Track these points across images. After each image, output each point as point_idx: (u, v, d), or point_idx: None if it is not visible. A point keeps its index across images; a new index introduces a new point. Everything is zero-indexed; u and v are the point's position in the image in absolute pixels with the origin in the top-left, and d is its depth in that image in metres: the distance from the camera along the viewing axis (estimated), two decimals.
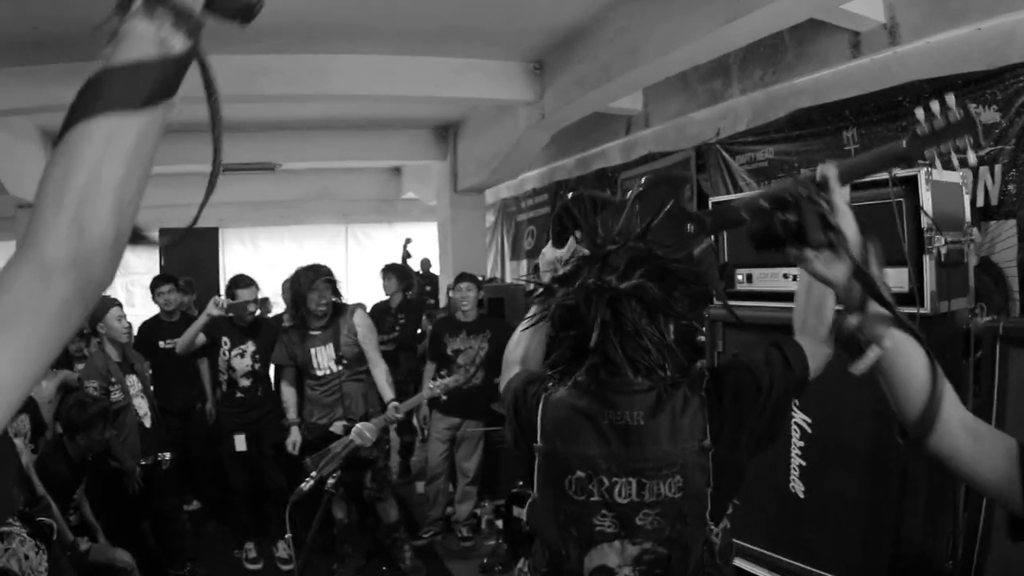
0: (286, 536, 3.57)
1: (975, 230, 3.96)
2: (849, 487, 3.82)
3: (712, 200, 4.93)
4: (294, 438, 6.55)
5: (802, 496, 4.07)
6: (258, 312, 7.09)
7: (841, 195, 1.77)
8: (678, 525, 2.20)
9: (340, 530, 6.72)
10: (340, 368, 6.51)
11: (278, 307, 7.75)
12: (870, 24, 5.57)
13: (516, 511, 5.76)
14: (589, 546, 2.28)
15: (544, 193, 11.79)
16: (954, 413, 1.67)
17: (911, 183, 3.54)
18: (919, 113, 1.75)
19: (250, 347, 7.00)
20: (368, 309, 8.30)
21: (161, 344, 7.79)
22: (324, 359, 6.50)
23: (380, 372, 6.53)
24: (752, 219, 1.86)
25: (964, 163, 1.74)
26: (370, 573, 6.79)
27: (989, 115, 4.78)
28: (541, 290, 2.41)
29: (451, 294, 8.17)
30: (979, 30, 4.88)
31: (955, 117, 1.70)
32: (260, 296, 7.29)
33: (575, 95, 7.52)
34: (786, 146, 6.43)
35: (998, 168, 4.76)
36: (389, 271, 10.03)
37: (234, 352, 6.99)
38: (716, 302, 4.23)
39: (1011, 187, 4.70)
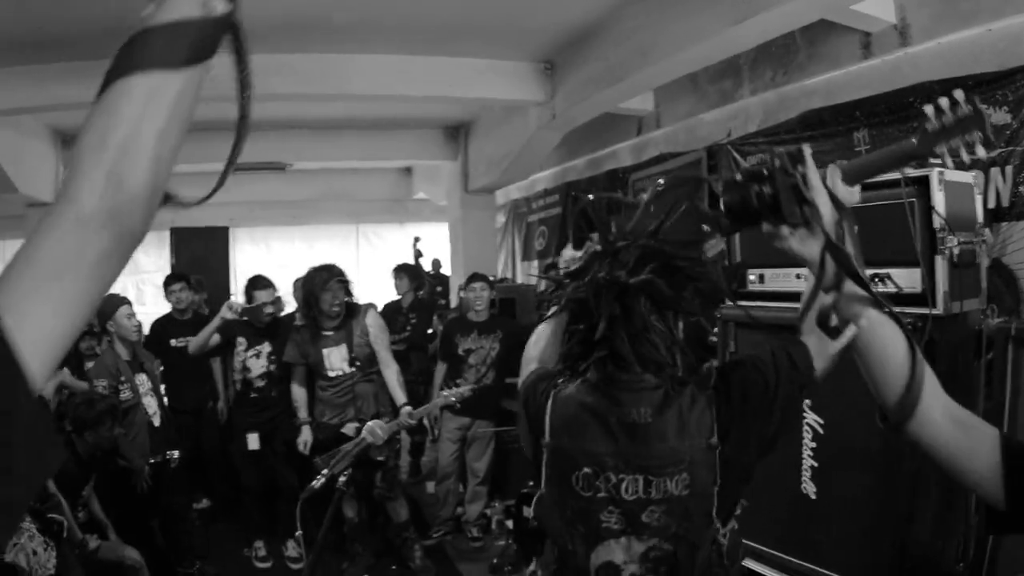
0: (297, 534, 3.58)
1: (987, 231, 3.95)
2: (860, 488, 3.81)
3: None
4: (305, 437, 6.56)
5: (814, 497, 4.06)
6: (274, 312, 7.08)
7: (816, 172, 1.77)
8: (684, 523, 2.21)
9: (350, 529, 6.73)
10: (352, 369, 6.51)
11: (289, 306, 7.74)
12: (881, 25, 5.57)
13: (526, 511, 5.75)
14: (596, 542, 2.30)
15: (555, 194, 11.79)
16: (935, 399, 1.66)
17: (923, 183, 3.54)
18: (928, 110, 1.75)
19: (266, 348, 7.00)
20: (379, 309, 8.30)
21: (173, 342, 7.82)
22: (337, 360, 6.49)
23: (392, 374, 6.52)
24: (728, 191, 1.86)
25: (974, 158, 1.74)
26: (380, 572, 6.79)
27: (1000, 116, 4.77)
28: (554, 287, 2.43)
29: (463, 294, 8.18)
30: (990, 31, 4.87)
31: (964, 112, 1.70)
32: (280, 300, 7.30)
33: (586, 95, 7.51)
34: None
35: (1009, 169, 4.75)
36: (401, 271, 10.06)
37: (250, 353, 6.99)
38: (728, 302, 4.27)
39: (1022, 188, 4.69)
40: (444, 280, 12.24)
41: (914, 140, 1.80)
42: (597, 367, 2.34)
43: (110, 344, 6.35)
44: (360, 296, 6.80)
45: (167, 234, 13.21)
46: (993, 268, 4.62)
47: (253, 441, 6.97)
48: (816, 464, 4.05)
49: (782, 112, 6.72)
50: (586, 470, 2.29)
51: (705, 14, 5.56)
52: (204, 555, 6.91)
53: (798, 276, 4.05)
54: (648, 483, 2.22)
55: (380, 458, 6.20)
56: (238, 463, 7.26)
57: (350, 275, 6.67)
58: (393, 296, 10.17)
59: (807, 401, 4.01)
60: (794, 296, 3.97)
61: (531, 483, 2.47)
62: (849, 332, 1.68)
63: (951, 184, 3.59)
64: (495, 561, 6.78)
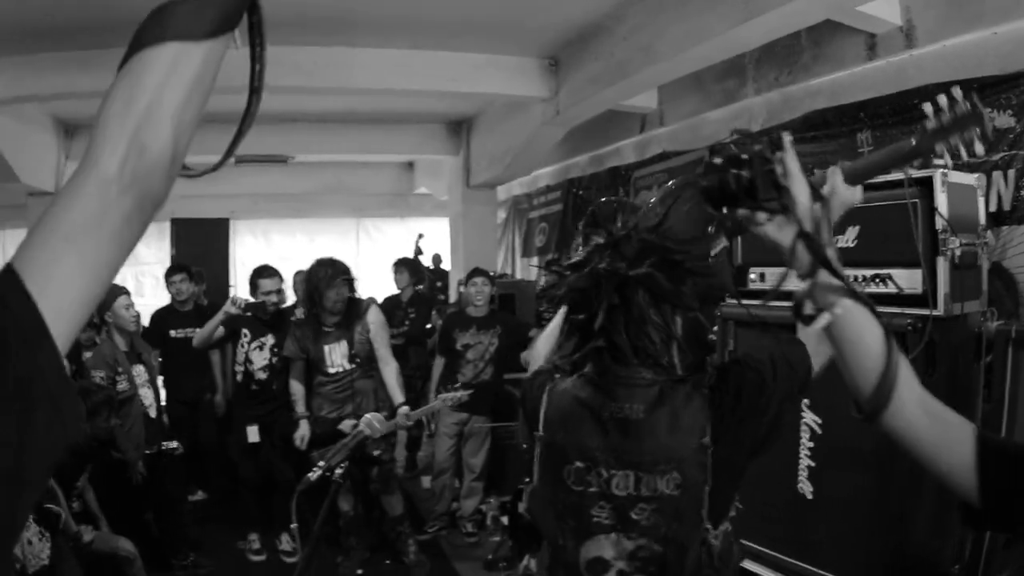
0: (292, 527, 3.58)
1: (989, 233, 3.95)
2: (857, 488, 3.81)
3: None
4: (302, 432, 6.54)
5: (810, 497, 4.06)
6: (277, 302, 7.08)
7: (795, 159, 1.76)
8: (674, 524, 2.20)
9: (345, 523, 6.71)
10: (352, 366, 6.51)
11: (289, 299, 7.75)
12: (886, 26, 5.55)
13: (521, 507, 5.75)
14: (586, 537, 2.30)
15: (557, 190, 11.80)
16: (910, 391, 1.64)
17: (927, 184, 3.53)
18: (927, 109, 1.74)
19: (269, 340, 6.99)
20: (379, 302, 8.30)
21: (172, 333, 7.83)
22: (337, 357, 6.49)
23: (390, 372, 6.51)
24: (707, 175, 1.85)
25: (973, 157, 1.73)
26: (374, 566, 6.79)
27: (1004, 120, 4.76)
28: (556, 278, 2.43)
29: (462, 289, 8.18)
30: (995, 34, 4.86)
31: (962, 110, 1.70)
32: (283, 290, 7.31)
33: (590, 92, 7.51)
34: (800, 147, 6.29)
35: (1012, 173, 4.74)
36: (401, 265, 10.06)
37: (253, 345, 6.99)
38: (730, 300, 4.27)
39: None
40: (444, 275, 12.24)
41: (913, 139, 1.80)
42: (594, 360, 2.35)
43: (108, 334, 6.34)
44: (360, 290, 6.79)
45: (167, 225, 13.22)
46: (993, 271, 4.61)
47: (253, 434, 6.97)
48: (813, 464, 4.05)
49: (786, 112, 6.72)
50: (578, 464, 2.30)
51: (710, 13, 5.55)
52: (198, 547, 6.91)
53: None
54: (639, 480, 2.22)
55: (376, 452, 6.20)
56: (235, 456, 7.26)
57: (351, 269, 6.65)
58: (393, 290, 10.17)
59: (805, 400, 4.01)
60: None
61: (527, 479, 2.47)
62: (822, 319, 1.67)
63: (954, 186, 3.59)
64: (490, 557, 6.77)
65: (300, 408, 6.64)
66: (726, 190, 1.80)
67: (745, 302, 4.20)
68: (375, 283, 11.88)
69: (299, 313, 6.72)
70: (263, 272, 7.06)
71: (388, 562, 6.85)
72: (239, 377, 7.14)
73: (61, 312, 1.01)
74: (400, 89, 8.23)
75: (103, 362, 6.09)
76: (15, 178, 9.55)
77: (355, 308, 6.54)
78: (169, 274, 8.21)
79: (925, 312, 3.48)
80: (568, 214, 11.14)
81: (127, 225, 1.07)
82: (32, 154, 9.72)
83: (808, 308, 1.70)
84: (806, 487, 4.07)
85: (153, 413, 6.44)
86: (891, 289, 3.70)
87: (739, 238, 4.54)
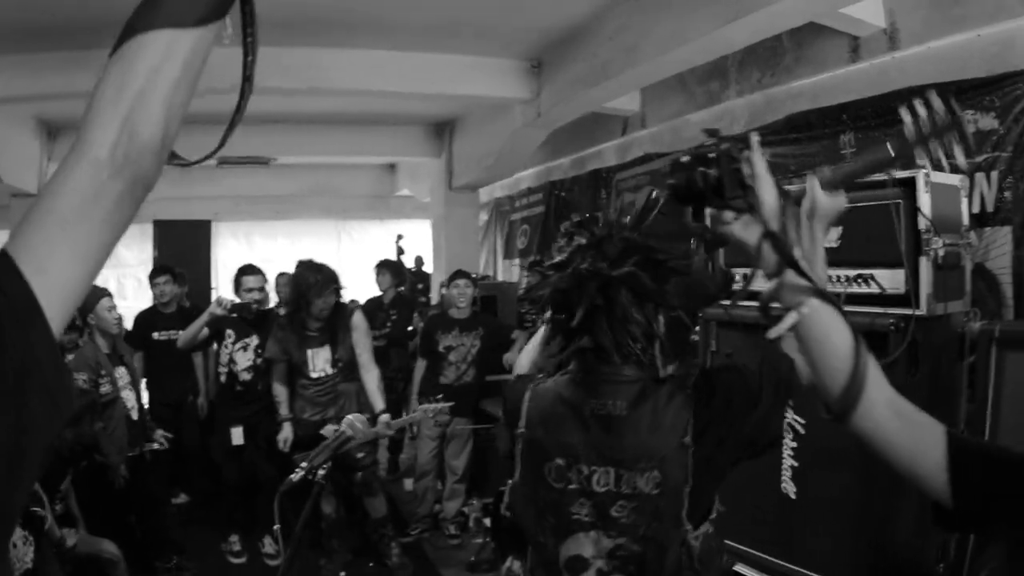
0: (274, 528, 3.56)
1: (972, 233, 3.96)
2: (841, 488, 3.82)
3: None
4: (286, 435, 6.53)
5: (794, 497, 4.07)
6: (259, 300, 7.07)
7: (761, 158, 1.76)
8: (654, 523, 2.21)
9: (328, 525, 6.69)
10: (335, 371, 6.50)
11: (272, 299, 7.74)
12: (870, 29, 5.57)
13: (504, 509, 5.75)
14: (566, 535, 2.31)
15: (539, 192, 11.80)
16: (879, 391, 1.64)
17: (910, 185, 3.54)
18: (905, 117, 1.74)
19: (254, 341, 6.97)
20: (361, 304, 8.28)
21: (156, 335, 7.82)
22: (320, 361, 6.48)
23: (372, 379, 6.51)
24: (674, 172, 1.86)
25: (954, 163, 1.73)
26: (357, 569, 6.76)
27: (987, 122, 4.77)
28: (539, 279, 2.44)
29: (444, 291, 8.17)
30: (979, 36, 4.87)
31: (940, 119, 1.69)
32: (267, 288, 7.29)
33: (572, 93, 7.50)
34: (783, 149, 6.42)
35: (995, 175, 4.76)
36: (383, 267, 10.04)
37: (237, 345, 6.97)
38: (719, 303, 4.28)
39: (1007, 194, 4.70)
40: (426, 277, 12.24)
41: (889, 148, 1.79)
42: (578, 358, 2.37)
43: (90, 337, 6.30)
44: (343, 294, 6.77)
45: (150, 227, 13.18)
46: (976, 272, 4.63)
47: (237, 436, 6.94)
48: (796, 464, 4.06)
49: (769, 114, 6.73)
50: (559, 462, 2.32)
51: (693, 15, 5.55)
52: (182, 550, 6.86)
53: None
54: (619, 476, 2.24)
55: (360, 455, 6.19)
56: (218, 458, 7.23)
57: (339, 276, 6.66)
58: (374, 292, 10.16)
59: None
60: None
61: (509, 481, 2.48)
62: (789, 319, 1.67)
63: (937, 186, 3.61)
64: (473, 559, 6.79)
65: (283, 411, 6.62)
66: (693, 188, 1.81)
67: (725, 303, 4.22)
68: (357, 285, 11.88)
69: (282, 316, 6.69)
70: (247, 270, 7.09)
71: (371, 564, 6.83)
72: (223, 378, 7.12)
73: (54, 293, 1.03)
74: (382, 91, 8.22)
75: (85, 364, 6.04)
76: None
77: (340, 313, 6.53)
78: (153, 275, 8.22)
79: (908, 312, 3.49)
80: (550, 216, 11.15)
81: (119, 207, 1.10)
82: (15, 155, 9.67)
83: (775, 308, 1.70)
84: (790, 487, 4.08)
85: (135, 415, 6.40)
86: (874, 289, 3.71)
87: None
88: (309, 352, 6.46)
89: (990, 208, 4.79)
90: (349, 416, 4.06)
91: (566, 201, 10.67)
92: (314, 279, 6.33)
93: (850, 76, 5.88)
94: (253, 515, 7.10)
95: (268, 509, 3.60)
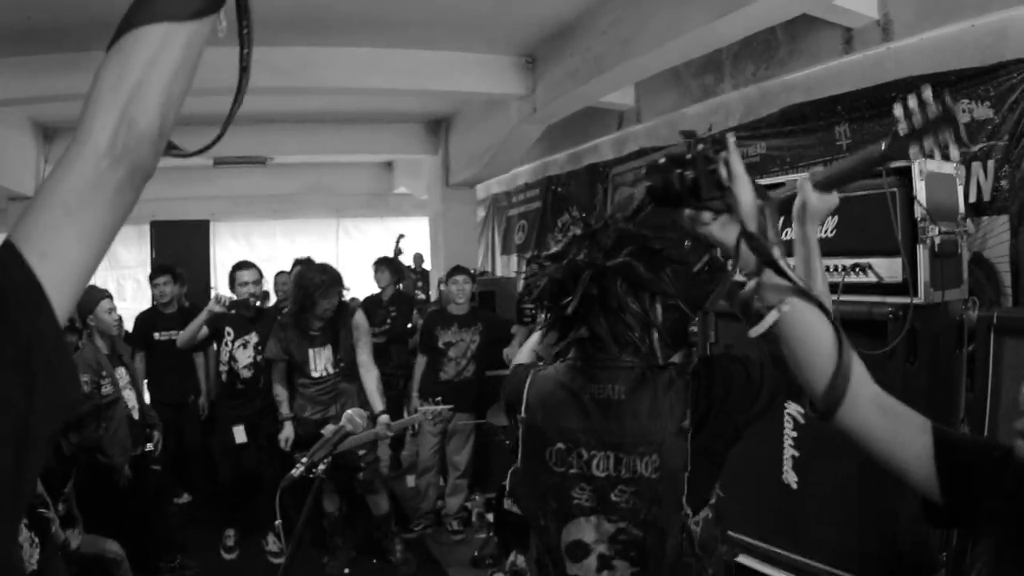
0: (276, 523, 3.57)
1: (969, 221, 3.97)
2: (842, 477, 3.82)
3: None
4: (287, 434, 6.52)
5: (795, 487, 4.08)
6: (259, 303, 7.08)
7: (739, 158, 1.76)
8: (653, 508, 2.23)
9: (331, 523, 6.71)
10: (336, 370, 6.51)
11: (271, 297, 7.75)
12: (863, 20, 5.56)
13: (507, 504, 5.76)
14: (567, 519, 2.34)
15: (535, 188, 11.79)
16: (864, 388, 1.64)
17: (905, 174, 3.55)
18: (897, 111, 1.74)
19: (253, 338, 6.98)
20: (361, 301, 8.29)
21: (157, 335, 7.82)
22: (322, 361, 6.48)
23: (371, 379, 6.50)
24: (651, 174, 1.87)
25: (948, 159, 1.73)
26: (360, 566, 6.79)
27: (982, 111, 4.78)
28: (536, 271, 2.46)
29: (443, 287, 8.18)
30: (973, 26, 4.88)
31: (935, 113, 1.69)
32: (262, 282, 7.30)
33: (567, 88, 7.50)
34: (778, 141, 6.43)
35: (991, 164, 4.77)
36: (382, 264, 10.04)
37: (237, 343, 6.98)
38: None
39: (1004, 183, 4.71)
40: (424, 275, 12.24)
41: (883, 145, 1.80)
42: (576, 347, 2.40)
43: (90, 338, 6.31)
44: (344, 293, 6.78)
45: (147, 228, 13.16)
46: (974, 261, 4.64)
47: (240, 434, 6.96)
48: (797, 454, 4.06)
49: (763, 107, 6.73)
50: (559, 446, 2.34)
51: (687, 8, 5.56)
52: (184, 549, 6.89)
53: None
54: (619, 460, 2.26)
55: (362, 452, 6.20)
56: (217, 456, 7.24)
57: (342, 277, 6.65)
58: (373, 289, 10.16)
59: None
60: None
61: (511, 470, 2.50)
62: (770, 318, 1.67)
63: (933, 175, 3.61)
64: (476, 554, 6.78)
65: (284, 410, 6.61)
66: (670, 189, 1.81)
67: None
68: (356, 283, 11.89)
69: (284, 315, 6.67)
70: (241, 265, 7.15)
71: (375, 561, 6.86)
72: (223, 377, 7.13)
73: (59, 279, 1.06)
74: (377, 88, 8.21)
75: (86, 366, 6.05)
76: None
77: (342, 313, 6.53)
78: (154, 276, 8.25)
79: (905, 300, 3.49)
80: (547, 211, 11.14)
81: (119, 195, 1.14)
82: (11, 158, 9.65)
83: (756, 307, 1.71)
84: (791, 477, 4.09)
85: (137, 416, 6.41)
86: (871, 278, 3.72)
87: None
88: (311, 352, 6.45)
89: (987, 197, 4.79)
90: (349, 411, 4.07)
91: (563, 196, 10.65)
92: (320, 279, 6.31)
93: (844, 68, 5.87)
94: (253, 513, 7.12)
95: (269, 507, 3.61)
